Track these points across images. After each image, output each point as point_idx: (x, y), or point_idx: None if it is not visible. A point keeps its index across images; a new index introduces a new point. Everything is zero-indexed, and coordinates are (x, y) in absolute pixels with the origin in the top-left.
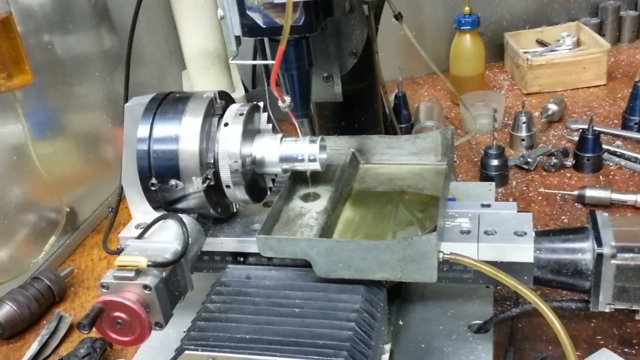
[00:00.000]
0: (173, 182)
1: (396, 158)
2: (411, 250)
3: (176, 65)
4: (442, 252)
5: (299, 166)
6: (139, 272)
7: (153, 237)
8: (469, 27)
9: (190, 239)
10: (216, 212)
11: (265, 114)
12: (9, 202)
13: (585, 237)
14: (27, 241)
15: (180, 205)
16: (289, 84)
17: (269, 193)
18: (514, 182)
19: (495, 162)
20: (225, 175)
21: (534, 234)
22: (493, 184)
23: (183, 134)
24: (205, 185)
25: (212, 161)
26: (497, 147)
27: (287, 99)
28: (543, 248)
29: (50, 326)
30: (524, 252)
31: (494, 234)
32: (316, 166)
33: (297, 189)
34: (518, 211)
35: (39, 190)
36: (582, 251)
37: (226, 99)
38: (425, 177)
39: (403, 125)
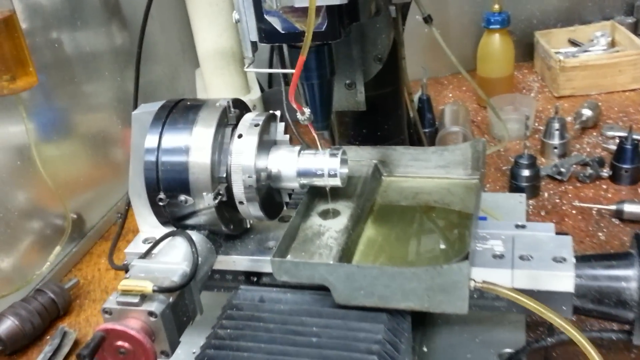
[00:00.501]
0: (182, 197)
1: (422, 171)
2: (440, 279)
3: (190, 63)
4: (473, 280)
5: (318, 181)
6: (144, 297)
7: (160, 257)
8: (498, 27)
9: (200, 259)
10: (228, 229)
11: (282, 124)
12: (12, 209)
13: (629, 263)
14: (31, 250)
15: (190, 222)
16: (308, 93)
17: (285, 208)
18: (546, 194)
19: (526, 173)
20: (238, 191)
21: (574, 261)
22: (524, 195)
23: (194, 145)
24: (216, 201)
25: (224, 175)
26: (529, 157)
27: (307, 110)
28: (583, 275)
29: (54, 342)
30: (564, 280)
31: (529, 260)
32: (336, 182)
33: (315, 205)
34: (553, 229)
35: (43, 196)
36: (627, 279)
37: (240, 107)
38: (453, 192)
39: (427, 130)
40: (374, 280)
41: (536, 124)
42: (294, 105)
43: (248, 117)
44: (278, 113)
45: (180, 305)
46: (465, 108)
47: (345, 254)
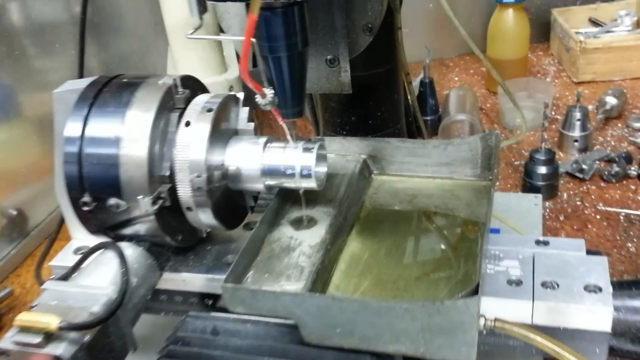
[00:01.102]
0: (112, 201)
1: (421, 169)
2: (441, 317)
3: (163, 37)
4: (483, 316)
5: (288, 183)
6: (49, 335)
7: (82, 278)
8: (512, 1)
9: (134, 280)
10: (175, 240)
11: (246, 109)
12: None
13: None
14: None
15: (126, 231)
16: (274, 69)
17: (250, 213)
18: (565, 195)
19: (543, 170)
20: (185, 194)
21: (611, 289)
22: (540, 196)
23: (126, 134)
24: (156, 207)
25: (167, 174)
26: (547, 152)
27: (268, 92)
28: (622, 307)
29: None
30: (599, 317)
31: (554, 288)
32: (311, 184)
33: (286, 211)
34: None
35: None
36: None
37: (193, 87)
38: (458, 195)
39: (429, 118)
40: (355, 316)
41: (552, 113)
42: (249, 84)
43: (200, 100)
44: (241, 95)
45: (101, 343)
46: (473, 93)
47: (321, 277)
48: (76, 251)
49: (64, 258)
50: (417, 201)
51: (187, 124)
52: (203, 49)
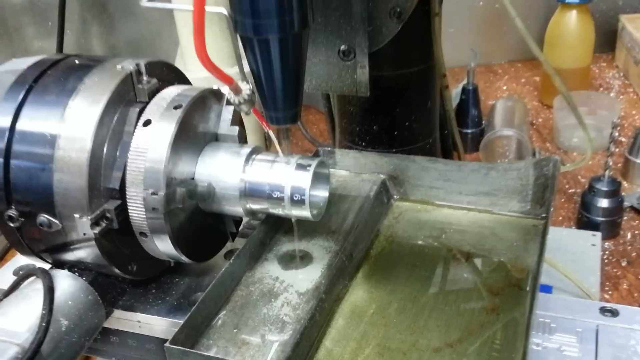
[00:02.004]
0: (43, 218)
1: (454, 197)
2: None
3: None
4: None
5: (275, 209)
6: None
7: None
8: (577, 1)
9: (65, 323)
10: (127, 272)
11: (230, 109)
12: None
13: None
14: None
15: (66, 257)
16: (260, 57)
17: (230, 241)
18: (629, 234)
19: (604, 203)
20: (137, 216)
21: None
22: (598, 235)
23: (65, 131)
24: (98, 230)
25: (117, 187)
26: (611, 181)
27: (245, 86)
28: None
29: None
30: None
31: None
32: (304, 212)
33: (275, 242)
34: None
35: None
36: None
37: (166, 75)
38: (499, 234)
39: (469, 131)
40: None
41: (617, 134)
42: (211, 71)
43: (168, 93)
44: (226, 90)
45: None
46: (523, 105)
47: (308, 337)
48: (16, 272)
49: (1, 278)
50: (446, 238)
51: (147, 123)
52: (212, 35)
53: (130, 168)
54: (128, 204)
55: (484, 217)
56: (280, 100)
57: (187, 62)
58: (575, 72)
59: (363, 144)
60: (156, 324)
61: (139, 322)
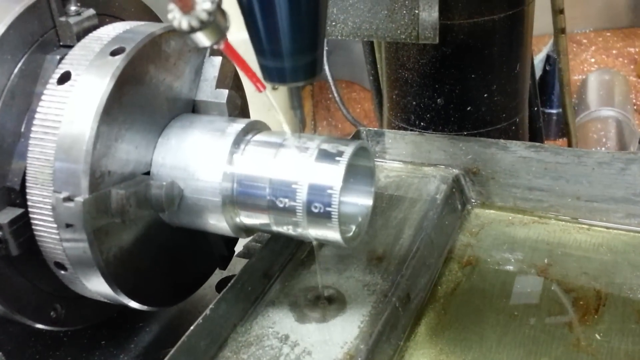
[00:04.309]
0: None
1: (568, 204)
2: None
3: None
4: None
5: (281, 226)
6: None
7: None
8: None
9: None
10: (45, 322)
11: (217, 61)
12: None
13: None
14: None
15: None
16: None
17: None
18: None
19: None
20: (45, 234)
21: None
22: None
23: None
24: None
25: (16, 186)
26: None
27: (204, 2)
28: None
29: None
30: None
31: None
32: (330, 234)
33: (285, 274)
34: None
35: None
36: None
37: (115, 8)
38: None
39: (554, 111)
40: None
41: None
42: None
43: (107, 31)
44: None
45: None
46: (624, 79)
47: None
48: None
49: None
50: (556, 267)
51: (64, 78)
52: None
53: (32, 155)
54: (30, 214)
55: (618, 237)
56: (288, 43)
57: None
58: None
59: (422, 124)
60: None
61: None
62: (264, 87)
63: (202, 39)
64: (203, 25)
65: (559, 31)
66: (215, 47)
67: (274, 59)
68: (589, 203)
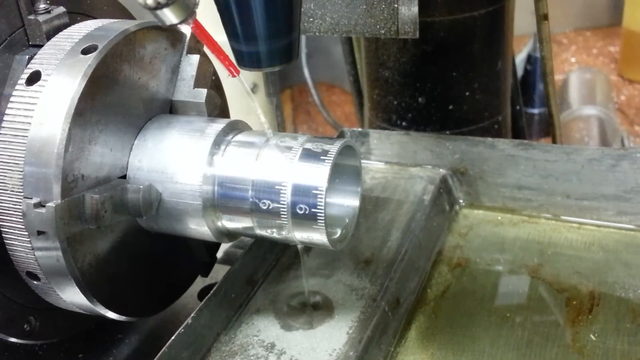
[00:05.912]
0: None
1: (558, 202)
2: None
3: None
4: None
5: (265, 230)
6: None
7: None
8: None
9: None
10: (17, 335)
11: (195, 60)
12: None
13: None
14: None
15: None
16: None
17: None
18: None
19: None
20: (15, 243)
21: None
22: None
23: None
24: None
25: None
26: None
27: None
28: None
29: None
30: None
31: None
32: (316, 237)
33: (270, 280)
34: None
35: None
36: None
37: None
38: (631, 262)
39: (536, 111)
40: None
41: None
42: None
43: (78, 29)
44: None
45: None
46: (605, 77)
47: None
48: None
49: None
50: (547, 267)
51: (34, 78)
52: None
53: (0, 159)
54: (0, 222)
55: (609, 235)
56: (262, 22)
57: None
58: None
59: (403, 124)
60: None
61: None
62: (238, 72)
63: (170, 15)
64: (170, 1)
65: (542, 17)
66: (184, 24)
67: (248, 43)
68: (579, 201)
